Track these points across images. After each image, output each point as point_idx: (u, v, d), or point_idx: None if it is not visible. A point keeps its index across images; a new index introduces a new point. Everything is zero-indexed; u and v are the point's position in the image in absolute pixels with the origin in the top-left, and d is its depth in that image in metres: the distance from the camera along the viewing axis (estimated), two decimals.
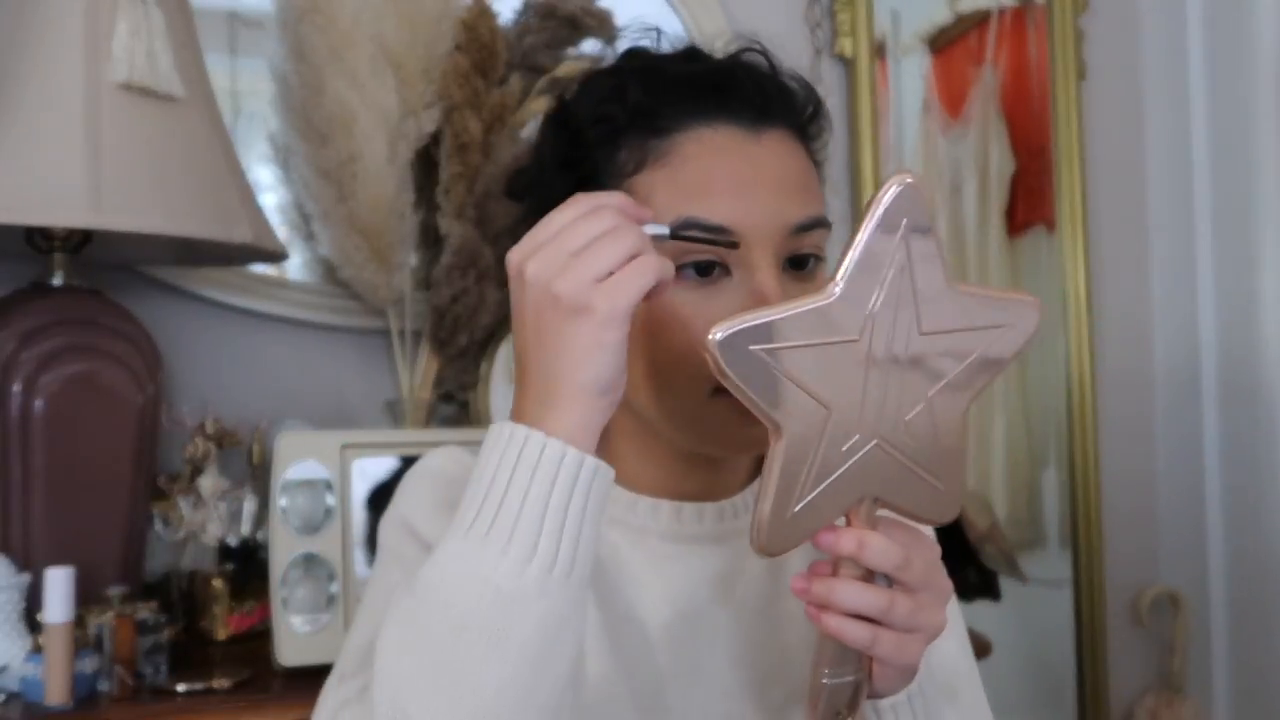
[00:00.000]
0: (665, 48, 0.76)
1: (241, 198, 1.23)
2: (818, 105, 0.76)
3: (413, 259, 1.44)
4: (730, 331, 0.57)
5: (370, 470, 1.16)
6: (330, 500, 1.14)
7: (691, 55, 0.75)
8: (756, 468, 0.80)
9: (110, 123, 1.10)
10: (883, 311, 0.60)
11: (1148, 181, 2.08)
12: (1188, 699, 1.95)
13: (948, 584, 0.66)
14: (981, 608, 1.83)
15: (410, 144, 1.38)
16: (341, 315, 1.49)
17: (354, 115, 1.33)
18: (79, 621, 1.06)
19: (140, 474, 1.21)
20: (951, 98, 1.99)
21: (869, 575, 0.62)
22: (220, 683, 1.07)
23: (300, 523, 1.12)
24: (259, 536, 1.26)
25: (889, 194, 0.59)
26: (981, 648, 1.42)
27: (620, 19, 1.48)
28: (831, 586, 0.61)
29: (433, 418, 1.45)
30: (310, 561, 1.13)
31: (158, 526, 1.24)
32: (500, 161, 1.38)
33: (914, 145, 1.97)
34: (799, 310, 0.59)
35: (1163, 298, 2.06)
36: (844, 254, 0.60)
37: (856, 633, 0.61)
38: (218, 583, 1.23)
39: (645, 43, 0.77)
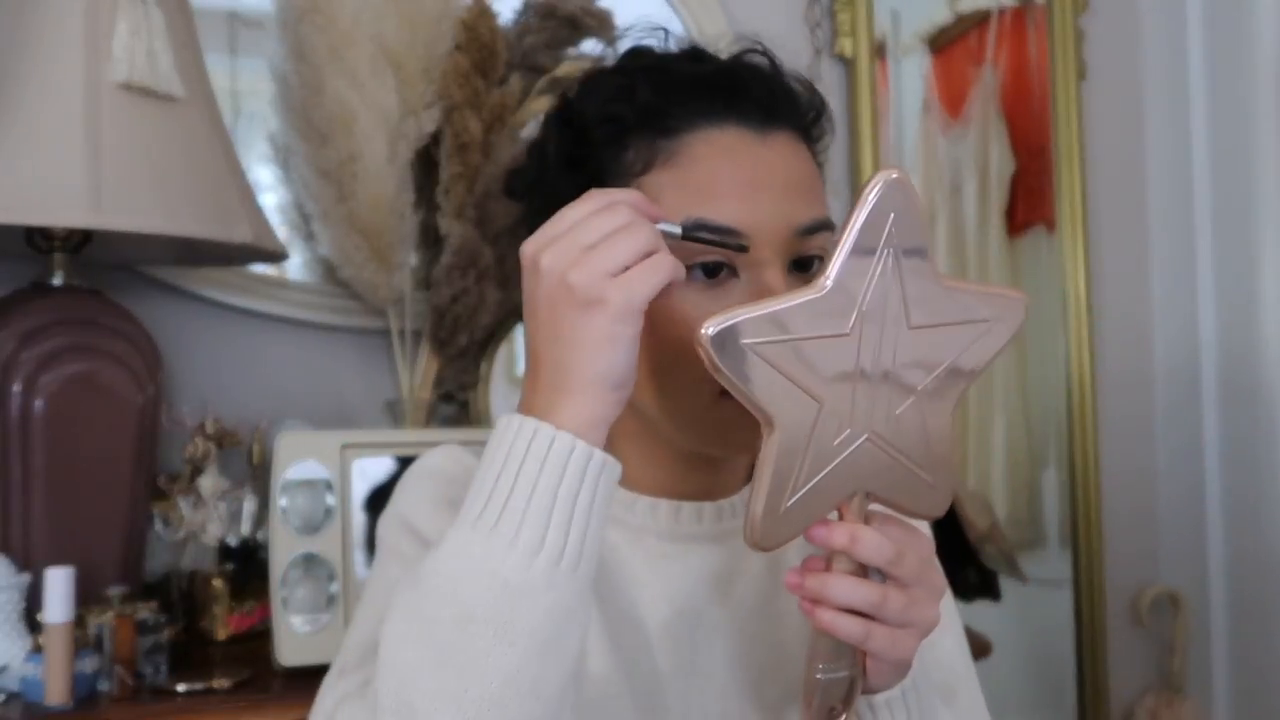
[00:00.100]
0: (670, 48, 0.76)
1: (241, 198, 1.23)
2: (821, 107, 0.76)
3: (413, 259, 1.44)
4: (722, 326, 0.58)
5: (370, 470, 1.16)
6: (330, 500, 1.14)
7: (697, 55, 0.75)
8: (754, 467, 0.80)
9: (110, 123, 1.10)
10: (872, 306, 0.60)
11: (1148, 181, 2.08)
12: (1188, 699, 1.95)
13: (941, 580, 0.66)
14: (981, 608, 1.83)
15: (410, 144, 1.38)
16: (341, 315, 1.49)
17: (354, 115, 1.33)
18: (79, 621, 1.06)
19: (140, 474, 1.21)
20: (951, 98, 1.99)
21: (862, 570, 0.62)
22: (220, 683, 1.07)
23: (300, 523, 1.13)
24: (259, 536, 1.26)
25: (875, 190, 0.60)
26: (981, 648, 1.42)
27: (620, 19, 1.48)
28: (825, 581, 0.61)
29: (433, 418, 1.45)
30: (310, 561, 1.13)
31: (158, 526, 1.24)
32: (500, 161, 1.38)
33: (914, 145, 1.97)
34: (790, 304, 0.59)
35: (1163, 298, 2.06)
36: (833, 249, 0.60)
37: (850, 627, 0.61)
38: (218, 583, 1.23)
39: (651, 42, 0.76)
